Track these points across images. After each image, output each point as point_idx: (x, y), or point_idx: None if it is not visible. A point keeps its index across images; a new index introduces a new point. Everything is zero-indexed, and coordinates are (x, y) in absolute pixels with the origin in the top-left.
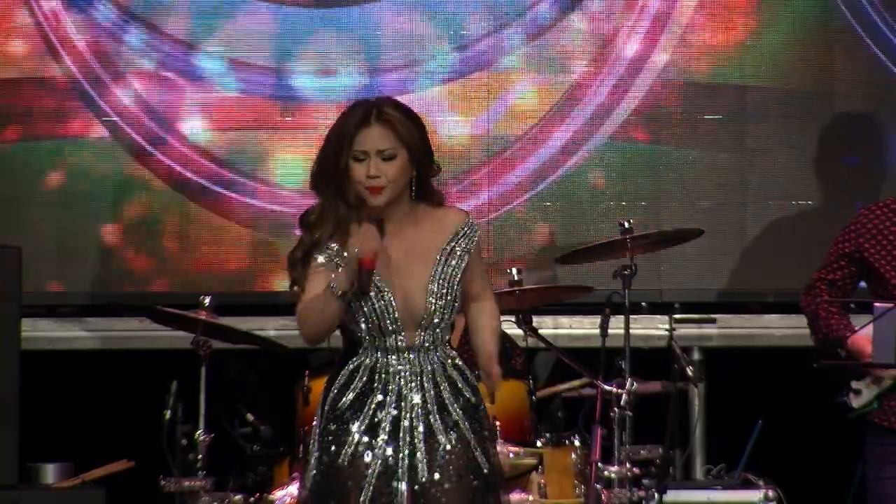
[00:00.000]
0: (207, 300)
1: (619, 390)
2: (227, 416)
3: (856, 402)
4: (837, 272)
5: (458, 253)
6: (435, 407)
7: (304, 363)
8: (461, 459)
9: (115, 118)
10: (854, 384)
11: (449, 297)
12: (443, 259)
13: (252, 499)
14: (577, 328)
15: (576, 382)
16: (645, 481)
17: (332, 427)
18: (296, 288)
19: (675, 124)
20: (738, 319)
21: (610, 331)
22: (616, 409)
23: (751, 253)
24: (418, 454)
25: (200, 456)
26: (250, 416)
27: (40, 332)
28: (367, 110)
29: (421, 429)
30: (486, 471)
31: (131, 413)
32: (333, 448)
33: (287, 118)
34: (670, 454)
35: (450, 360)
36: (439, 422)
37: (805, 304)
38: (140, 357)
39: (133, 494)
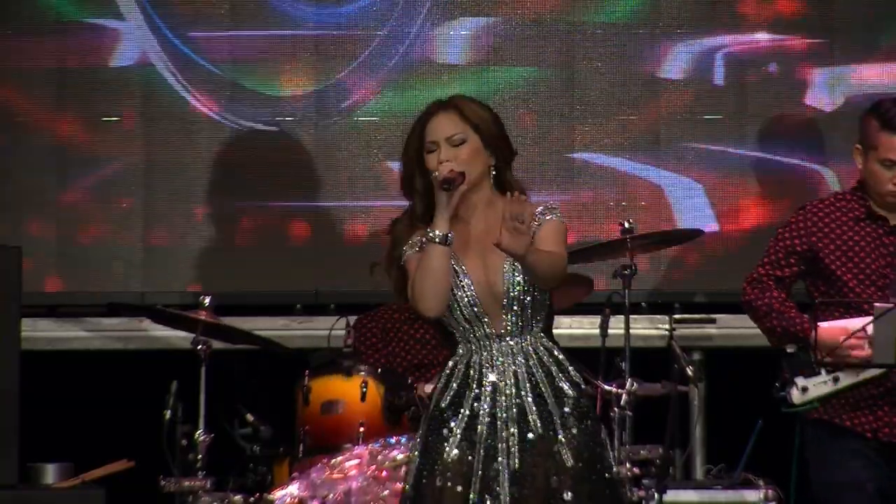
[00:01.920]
0: (207, 300)
1: (619, 390)
2: (227, 416)
3: (798, 399)
4: (786, 269)
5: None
6: (529, 396)
7: (304, 363)
8: (547, 452)
9: (114, 118)
10: (800, 381)
11: (526, 276)
12: None
13: (252, 499)
14: (577, 328)
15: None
16: (645, 481)
17: (434, 425)
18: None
19: (676, 124)
20: (738, 319)
21: (610, 331)
22: (616, 409)
23: (751, 253)
24: (511, 444)
25: (200, 456)
26: (250, 416)
27: (40, 332)
28: (435, 103)
29: (514, 420)
30: (569, 465)
31: (131, 413)
32: (437, 447)
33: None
34: (670, 454)
35: (546, 351)
36: (534, 413)
37: (754, 298)
38: (140, 357)
39: (133, 494)
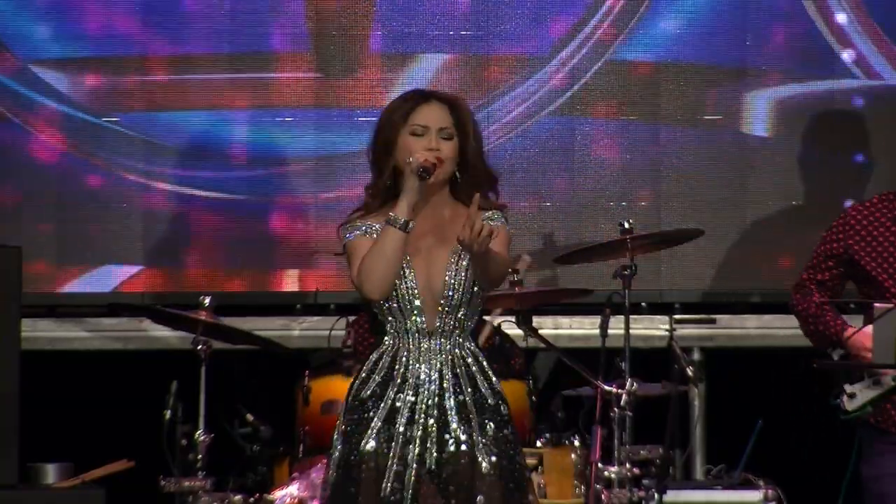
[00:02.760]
0: (207, 300)
1: (619, 390)
2: (227, 416)
3: (849, 405)
4: (826, 273)
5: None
6: (451, 397)
7: (304, 363)
8: (464, 457)
9: (116, 118)
10: (848, 388)
11: (468, 280)
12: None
13: (252, 499)
14: (577, 328)
15: None
16: (645, 481)
17: (354, 416)
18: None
19: (676, 123)
20: (738, 319)
21: (610, 331)
22: (616, 409)
23: (751, 253)
24: (429, 443)
25: (200, 456)
26: (250, 416)
27: (40, 332)
28: (427, 91)
29: (434, 418)
30: (484, 471)
31: (131, 413)
32: (355, 438)
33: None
34: (670, 454)
35: (471, 356)
36: (454, 413)
37: (796, 303)
38: (140, 357)
39: (133, 494)
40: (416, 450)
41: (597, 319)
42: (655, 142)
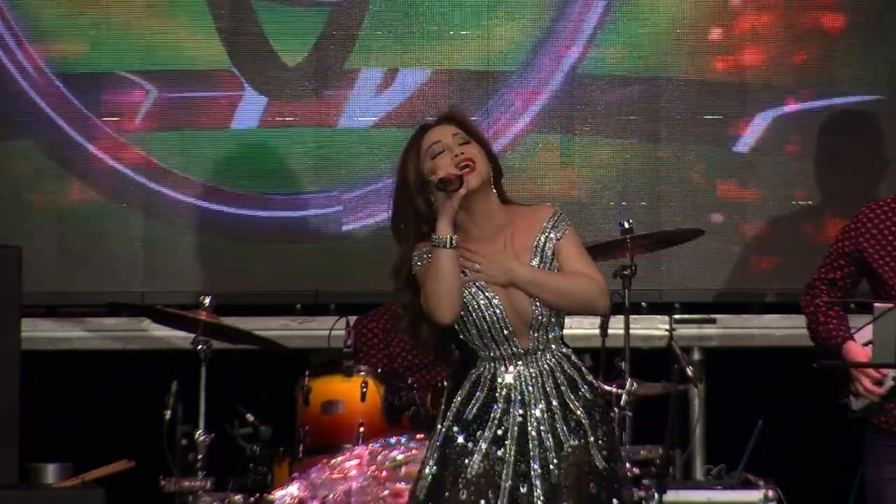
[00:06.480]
0: (207, 300)
1: (619, 390)
2: (227, 416)
3: (856, 405)
4: (837, 272)
5: (550, 244)
6: (558, 408)
7: (304, 363)
8: (582, 460)
9: (115, 118)
10: (853, 386)
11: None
12: (537, 254)
13: (252, 499)
14: (577, 328)
15: None
16: (645, 481)
17: (459, 439)
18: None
19: (676, 124)
20: (738, 319)
21: (610, 331)
22: (616, 409)
23: (751, 253)
24: (549, 456)
25: (200, 456)
26: (250, 416)
27: (40, 332)
28: (427, 122)
29: (548, 432)
30: (601, 468)
31: (131, 413)
32: (460, 460)
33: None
34: (670, 454)
35: (565, 358)
36: (563, 423)
37: (804, 305)
38: (140, 357)
39: (133, 494)
40: (538, 468)
41: (596, 319)
42: (656, 140)
